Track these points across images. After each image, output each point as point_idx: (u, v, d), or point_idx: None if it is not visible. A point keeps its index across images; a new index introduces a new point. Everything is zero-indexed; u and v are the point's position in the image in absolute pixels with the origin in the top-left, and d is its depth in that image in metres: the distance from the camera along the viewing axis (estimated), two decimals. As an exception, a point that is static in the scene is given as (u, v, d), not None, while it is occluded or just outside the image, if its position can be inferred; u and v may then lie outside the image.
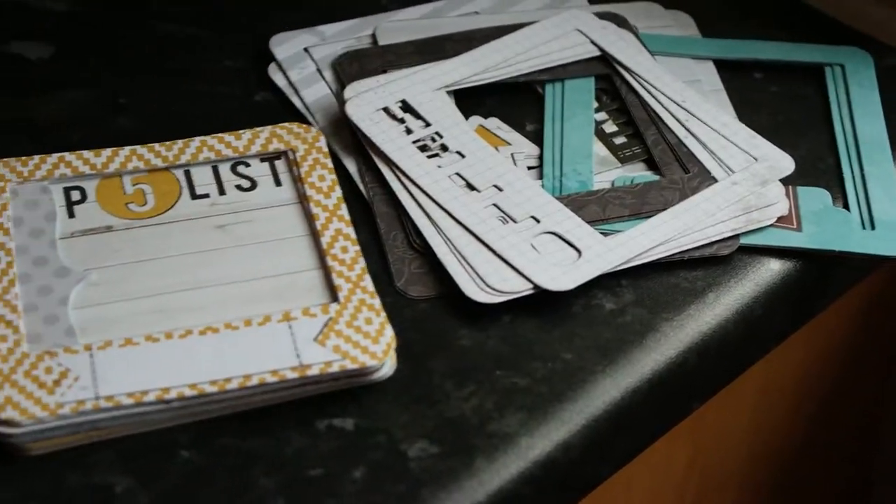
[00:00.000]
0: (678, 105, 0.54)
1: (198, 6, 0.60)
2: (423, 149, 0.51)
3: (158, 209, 0.48)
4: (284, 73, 0.56)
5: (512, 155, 0.53)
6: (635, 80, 0.55)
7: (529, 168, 0.52)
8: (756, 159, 0.51)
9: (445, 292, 0.47)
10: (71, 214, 0.48)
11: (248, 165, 0.50)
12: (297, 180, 0.49)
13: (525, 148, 0.53)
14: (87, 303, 0.45)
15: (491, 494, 0.42)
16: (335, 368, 0.43)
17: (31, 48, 0.57)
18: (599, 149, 0.53)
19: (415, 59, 0.55)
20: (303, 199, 0.49)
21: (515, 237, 0.48)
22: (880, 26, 0.59)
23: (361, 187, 0.51)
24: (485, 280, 0.46)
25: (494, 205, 0.49)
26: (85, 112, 0.54)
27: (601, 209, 0.49)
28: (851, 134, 0.54)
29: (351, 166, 0.51)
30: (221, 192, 0.49)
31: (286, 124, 0.51)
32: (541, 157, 0.52)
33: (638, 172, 0.52)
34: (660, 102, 0.54)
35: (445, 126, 0.52)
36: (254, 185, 0.50)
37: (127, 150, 0.50)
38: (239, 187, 0.49)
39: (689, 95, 0.54)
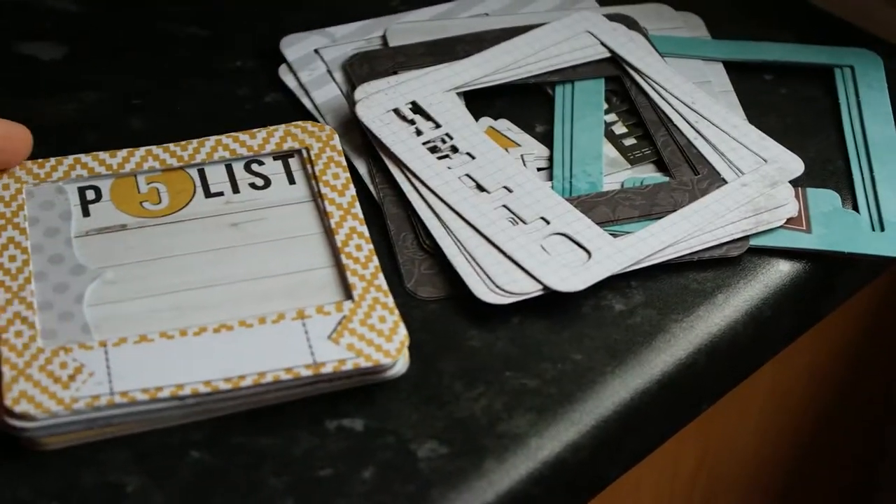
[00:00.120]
0: (688, 107, 0.54)
1: (209, 8, 0.60)
2: (434, 150, 0.52)
3: (173, 208, 0.49)
4: (295, 75, 0.56)
5: (522, 156, 0.53)
6: (645, 81, 0.55)
7: (539, 169, 0.52)
8: (766, 161, 0.51)
9: (455, 293, 0.47)
10: (86, 213, 0.48)
11: (261, 164, 0.50)
12: (312, 178, 0.49)
13: (535, 149, 0.53)
14: (102, 300, 0.45)
15: (500, 495, 0.42)
16: (349, 366, 0.43)
17: (44, 49, 0.58)
18: (609, 150, 0.53)
19: (425, 61, 0.55)
20: (317, 197, 0.49)
21: (525, 238, 0.48)
22: (890, 28, 0.59)
23: (371, 188, 0.51)
24: (494, 281, 0.47)
25: (504, 206, 0.49)
26: (97, 113, 0.54)
27: (611, 210, 0.49)
28: (861, 135, 0.54)
29: (361, 167, 0.52)
30: (235, 190, 0.49)
31: (300, 123, 0.51)
32: (551, 159, 0.52)
33: (648, 174, 0.52)
34: (669, 104, 0.54)
35: (455, 127, 0.52)
36: (268, 184, 0.50)
37: (142, 150, 0.50)
38: (253, 185, 0.50)
39: (699, 97, 0.54)
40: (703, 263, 0.49)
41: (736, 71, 0.57)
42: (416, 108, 0.53)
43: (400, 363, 0.44)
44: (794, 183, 0.51)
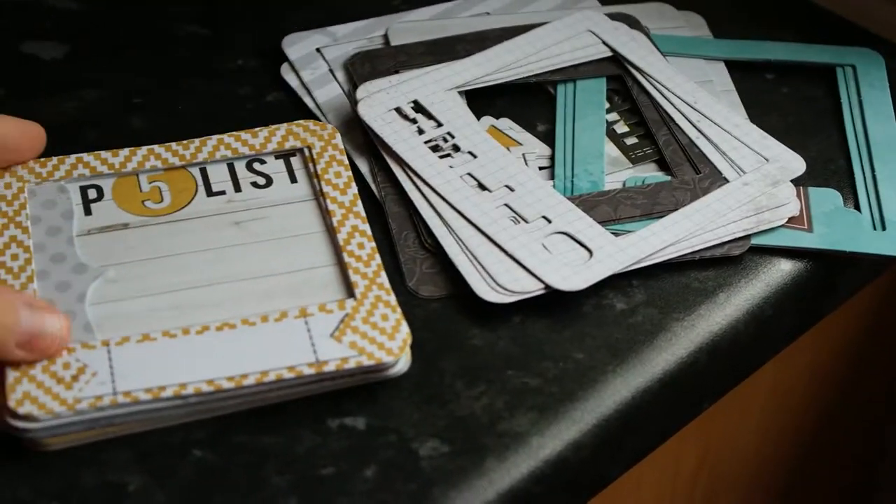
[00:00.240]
0: (690, 106, 0.54)
1: (211, 6, 0.60)
2: (435, 149, 0.52)
3: (175, 206, 0.49)
4: (297, 74, 0.56)
5: (523, 155, 0.53)
6: (647, 80, 0.55)
7: (541, 168, 0.52)
8: (767, 160, 0.51)
9: (457, 292, 0.47)
10: (88, 212, 0.48)
11: (263, 162, 0.51)
12: (314, 176, 0.49)
13: (536, 148, 0.53)
14: (105, 299, 0.45)
15: (501, 493, 0.42)
16: (351, 364, 0.43)
17: (45, 48, 0.58)
18: (611, 149, 0.53)
19: (427, 60, 0.55)
20: (319, 196, 0.49)
21: (527, 237, 0.48)
22: (892, 27, 0.59)
23: (373, 187, 0.51)
24: (496, 280, 0.47)
25: (506, 205, 0.49)
26: (98, 112, 0.54)
27: (612, 209, 0.49)
28: (863, 135, 0.54)
29: (363, 166, 0.52)
30: (237, 189, 0.49)
31: (302, 122, 0.51)
32: (552, 158, 0.53)
33: (649, 173, 0.52)
34: (671, 103, 0.54)
35: (457, 126, 0.52)
36: (269, 182, 0.50)
37: (144, 149, 0.50)
38: (255, 184, 0.50)
39: (701, 96, 0.54)
40: (705, 262, 0.49)
41: (738, 70, 0.57)
42: (417, 106, 0.53)
43: (402, 361, 0.44)
44: (796, 182, 0.51)
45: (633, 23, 0.58)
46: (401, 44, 0.57)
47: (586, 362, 0.45)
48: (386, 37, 0.57)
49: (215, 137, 0.51)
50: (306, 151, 0.51)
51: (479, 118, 0.54)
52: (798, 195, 0.51)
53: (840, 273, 0.51)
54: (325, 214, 0.49)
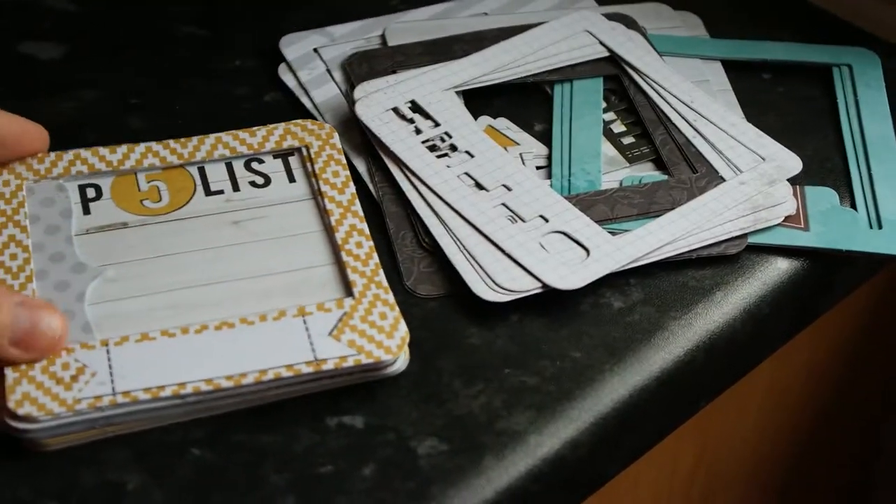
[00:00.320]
0: (686, 105, 0.54)
1: (208, 7, 0.60)
2: (433, 149, 0.52)
3: (173, 206, 0.49)
4: (294, 74, 0.56)
5: (521, 155, 0.53)
6: (644, 80, 0.55)
7: (538, 168, 0.52)
8: (764, 159, 0.52)
9: (454, 291, 0.47)
10: (86, 211, 0.48)
11: (261, 162, 0.51)
12: (312, 175, 0.49)
13: (534, 148, 0.53)
14: (104, 298, 0.45)
15: (500, 492, 0.42)
16: (350, 363, 0.43)
17: (42, 49, 0.58)
18: (608, 149, 0.53)
19: (424, 60, 0.56)
20: (317, 195, 0.49)
21: (524, 236, 0.48)
22: (888, 27, 0.59)
23: (371, 187, 0.51)
24: (493, 279, 0.47)
25: (503, 204, 0.49)
26: (96, 112, 0.54)
27: (609, 209, 0.50)
28: (859, 134, 0.54)
29: (360, 166, 0.52)
30: (235, 188, 0.50)
31: (300, 121, 0.51)
32: (549, 157, 0.53)
33: (646, 172, 0.52)
34: (668, 103, 0.54)
35: (454, 126, 0.53)
36: (268, 182, 0.50)
37: (142, 146, 0.50)
38: (253, 184, 0.50)
39: (698, 96, 0.54)
40: (702, 261, 0.49)
41: (734, 70, 0.57)
42: (415, 106, 0.53)
43: (401, 360, 0.44)
44: (793, 181, 0.51)
45: (629, 23, 0.58)
46: (398, 44, 0.57)
47: (584, 361, 0.45)
48: (383, 37, 0.57)
49: (213, 136, 0.51)
50: (304, 151, 0.51)
51: (476, 118, 0.54)
52: (794, 194, 0.51)
53: (836, 272, 0.51)
54: (323, 214, 0.49)
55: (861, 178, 0.52)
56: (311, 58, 0.57)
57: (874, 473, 0.77)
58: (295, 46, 0.57)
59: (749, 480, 0.69)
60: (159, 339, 0.43)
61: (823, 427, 0.71)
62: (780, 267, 0.49)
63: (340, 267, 0.47)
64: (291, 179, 0.50)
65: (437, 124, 0.53)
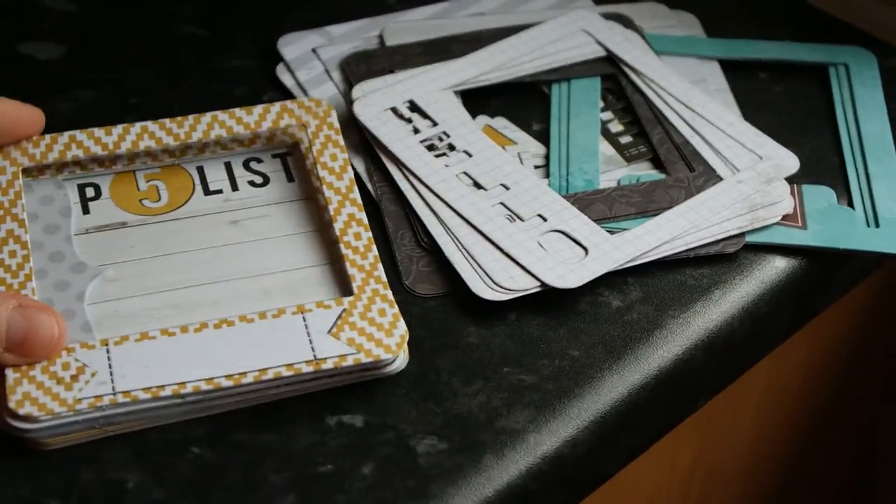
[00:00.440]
0: (684, 104, 0.54)
1: (207, 7, 0.60)
2: (431, 148, 0.52)
3: (172, 205, 0.49)
4: (292, 74, 0.56)
5: (519, 154, 0.53)
6: (641, 79, 0.55)
7: (536, 167, 0.52)
8: (761, 158, 0.52)
9: (453, 290, 0.47)
10: (86, 210, 0.48)
11: (260, 161, 0.51)
12: (308, 152, 0.49)
13: (532, 147, 0.53)
14: (103, 298, 0.46)
15: (499, 490, 0.42)
16: (349, 362, 0.43)
17: (41, 49, 0.58)
18: (605, 148, 0.53)
19: (422, 60, 0.56)
20: (315, 188, 0.49)
21: (522, 235, 0.48)
22: (884, 26, 0.59)
23: (369, 186, 0.51)
24: (492, 278, 0.47)
25: (501, 203, 0.50)
26: (96, 112, 0.54)
27: (607, 207, 0.50)
28: (855, 133, 0.54)
29: (359, 165, 0.52)
30: (234, 188, 0.50)
31: (297, 99, 0.51)
32: (547, 157, 0.53)
33: (644, 171, 0.52)
34: (665, 102, 0.54)
35: (453, 126, 0.53)
36: (266, 181, 0.50)
37: (138, 126, 0.50)
38: (251, 183, 0.50)
39: (695, 95, 0.54)
40: (700, 260, 0.49)
41: (731, 69, 0.57)
42: (413, 106, 0.53)
43: (400, 358, 0.44)
44: (790, 180, 0.51)
45: (626, 22, 0.58)
46: (396, 44, 0.57)
47: (582, 359, 0.45)
48: (381, 37, 0.58)
49: (209, 114, 0.50)
50: (306, 136, 0.50)
51: (474, 117, 0.54)
52: (792, 193, 0.51)
53: (834, 270, 0.51)
54: (321, 212, 0.49)
55: (858, 176, 0.52)
56: (310, 58, 0.57)
57: (872, 472, 0.77)
58: (293, 46, 0.57)
59: (747, 479, 0.69)
60: (159, 338, 0.43)
61: (821, 425, 0.71)
62: (778, 266, 0.49)
63: (339, 263, 0.47)
64: (290, 179, 0.50)
65: (435, 124, 0.53)
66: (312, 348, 0.43)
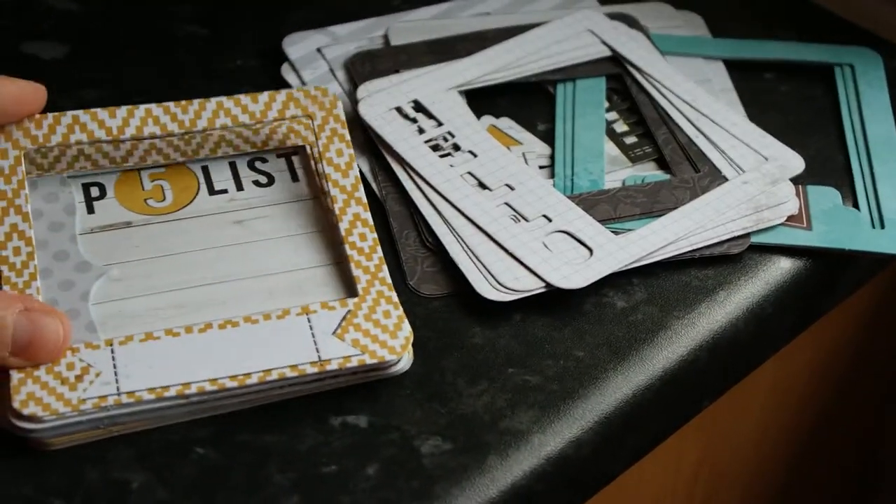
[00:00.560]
0: (689, 105, 0.54)
1: (210, 6, 0.60)
2: (436, 148, 0.52)
3: (177, 205, 0.49)
4: (297, 73, 0.56)
5: (524, 154, 0.53)
6: (646, 79, 0.55)
7: (541, 167, 0.52)
8: (766, 159, 0.52)
9: (457, 290, 0.47)
10: (90, 210, 0.48)
11: (265, 161, 0.51)
12: (313, 147, 0.49)
13: (536, 147, 0.53)
14: (108, 298, 0.45)
15: (503, 491, 0.42)
16: (354, 363, 0.43)
17: (45, 48, 0.58)
18: (610, 148, 0.53)
19: (427, 60, 0.56)
20: (320, 187, 0.49)
21: (527, 236, 0.48)
22: (890, 26, 0.59)
23: (374, 186, 0.51)
24: (497, 278, 0.47)
25: (506, 204, 0.50)
26: (99, 111, 0.54)
27: (612, 208, 0.50)
28: (861, 133, 0.54)
29: (364, 165, 0.52)
30: (239, 187, 0.50)
31: (303, 88, 0.50)
32: (552, 157, 0.53)
33: (649, 172, 0.52)
34: (670, 102, 0.54)
35: (457, 125, 0.53)
36: (271, 181, 0.50)
37: (142, 109, 0.49)
38: (256, 183, 0.50)
39: (700, 95, 0.54)
40: (705, 261, 0.49)
41: (736, 69, 0.57)
42: (418, 106, 0.53)
43: (404, 359, 0.44)
44: (795, 180, 0.51)
45: (632, 22, 0.58)
46: (401, 43, 0.57)
47: (587, 360, 0.45)
48: (386, 36, 0.57)
49: (214, 100, 0.49)
50: (308, 140, 0.50)
51: (479, 117, 0.54)
52: (797, 193, 0.51)
53: (839, 271, 0.51)
54: (326, 212, 0.49)
55: (863, 177, 0.52)
56: (314, 57, 0.57)
57: (876, 472, 0.77)
58: (298, 46, 0.57)
59: (752, 480, 0.69)
60: (164, 338, 0.43)
61: (826, 426, 0.71)
62: (783, 266, 0.49)
63: (344, 264, 0.47)
64: (295, 178, 0.50)
65: (440, 124, 0.53)
66: (317, 349, 0.43)
